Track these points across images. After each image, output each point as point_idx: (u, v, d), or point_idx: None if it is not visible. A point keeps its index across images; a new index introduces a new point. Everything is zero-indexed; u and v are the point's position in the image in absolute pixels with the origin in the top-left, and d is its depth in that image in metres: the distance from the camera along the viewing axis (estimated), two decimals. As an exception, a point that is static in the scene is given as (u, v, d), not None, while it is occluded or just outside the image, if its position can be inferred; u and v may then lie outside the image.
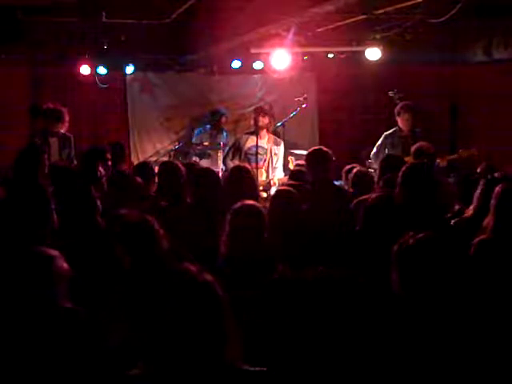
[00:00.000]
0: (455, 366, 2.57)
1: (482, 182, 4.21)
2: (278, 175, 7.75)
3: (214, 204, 4.75)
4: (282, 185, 5.95)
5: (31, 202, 3.94)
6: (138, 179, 5.12)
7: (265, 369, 2.32)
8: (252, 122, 7.86)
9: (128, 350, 2.93)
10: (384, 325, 2.75)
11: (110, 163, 6.34)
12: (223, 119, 10.35)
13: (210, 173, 5.43)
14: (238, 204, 3.84)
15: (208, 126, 10.35)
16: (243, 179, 5.15)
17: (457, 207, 4.81)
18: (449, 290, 2.67)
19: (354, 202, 5.08)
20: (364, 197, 5.07)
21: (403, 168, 4.37)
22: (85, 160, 6.27)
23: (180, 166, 5.58)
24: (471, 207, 4.21)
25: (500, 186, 3.67)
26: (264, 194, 7.28)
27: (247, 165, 6.65)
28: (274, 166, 7.81)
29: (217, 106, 10.84)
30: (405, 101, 8.23)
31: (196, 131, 10.36)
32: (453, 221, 4.44)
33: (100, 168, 6.01)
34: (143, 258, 3.48)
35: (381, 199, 3.76)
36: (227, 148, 8.59)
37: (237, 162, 7.80)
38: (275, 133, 8.26)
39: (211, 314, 2.21)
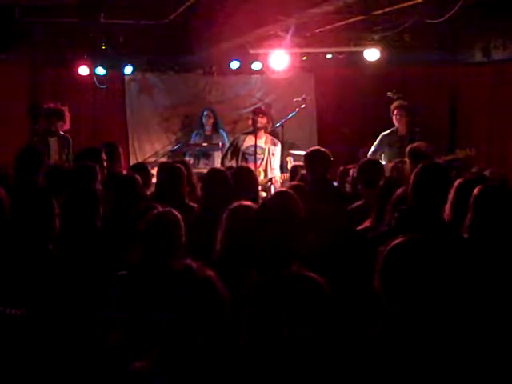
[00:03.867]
0: (436, 368, 2.58)
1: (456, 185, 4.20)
2: (277, 175, 7.76)
3: (217, 205, 4.71)
4: (282, 185, 5.94)
5: (35, 205, 3.93)
6: (138, 178, 5.08)
7: (259, 363, 2.33)
8: (250, 122, 7.85)
9: (129, 346, 2.95)
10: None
11: (105, 164, 6.30)
12: (204, 120, 10.16)
13: (217, 173, 5.42)
14: (234, 204, 3.84)
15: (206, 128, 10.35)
16: (244, 180, 5.15)
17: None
18: (428, 293, 2.67)
19: (353, 205, 5.09)
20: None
21: (417, 170, 4.35)
22: (80, 161, 6.23)
23: (180, 166, 5.56)
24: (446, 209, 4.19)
25: (478, 187, 3.72)
26: (264, 194, 7.29)
27: (245, 165, 6.66)
28: (272, 167, 7.83)
29: (215, 106, 10.83)
30: (402, 100, 8.27)
31: (193, 135, 10.28)
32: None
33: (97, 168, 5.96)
34: (160, 259, 3.49)
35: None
36: (225, 149, 8.58)
37: (234, 163, 7.80)
38: (273, 133, 8.26)
39: (214, 309, 2.22)
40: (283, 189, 4.57)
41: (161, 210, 3.71)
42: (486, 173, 5.31)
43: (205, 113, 9.96)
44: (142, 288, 3.27)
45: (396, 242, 2.76)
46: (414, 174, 4.20)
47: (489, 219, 3.59)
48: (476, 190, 3.67)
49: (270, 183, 7.60)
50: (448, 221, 4.01)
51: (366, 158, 6.75)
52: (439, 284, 2.69)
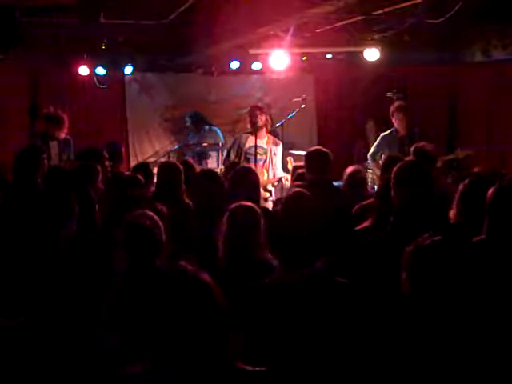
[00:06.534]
0: (461, 367, 2.57)
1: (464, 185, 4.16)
2: (279, 174, 7.73)
3: (216, 205, 4.71)
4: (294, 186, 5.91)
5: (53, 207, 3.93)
6: (140, 178, 5.07)
7: (264, 369, 2.33)
8: (248, 121, 7.80)
9: (127, 348, 2.94)
10: (388, 327, 2.75)
11: (107, 163, 6.30)
12: (189, 125, 10.43)
13: (213, 174, 5.42)
14: (235, 205, 3.84)
15: (207, 127, 10.40)
16: (245, 180, 5.15)
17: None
18: (458, 294, 2.67)
19: (356, 207, 5.07)
20: (366, 202, 5.07)
21: (394, 168, 4.37)
22: (81, 161, 6.22)
23: (177, 165, 5.54)
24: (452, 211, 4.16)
25: (493, 187, 3.68)
26: (267, 194, 7.28)
27: (246, 165, 6.65)
28: (275, 167, 7.78)
29: (215, 106, 10.87)
30: (401, 101, 8.25)
31: (190, 135, 10.41)
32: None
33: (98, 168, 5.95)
34: (145, 262, 3.47)
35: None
36: (227, 148, 8.58)
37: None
38: (274, 133, 8.25)
39: (210, 314, 2.22)
40: (298, 189, 4.55)
41: (135, 213, 3.64)
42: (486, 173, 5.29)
43: (186, 119, 10.29)
44: (136, 292, 3.25)
45: (426, 242, 2.75)
46: (392, 173, 4.22)
47: (506, 220, 3.53)
48: (490, 192, 3.62)
49: (278, 183, 7.57)
50: (454, 223, 3.99)
51: (389, 155, 6.71)
52: (469, 285, 2.69)
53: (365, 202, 5.06)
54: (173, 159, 8.72)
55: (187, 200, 5.22)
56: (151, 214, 3.66)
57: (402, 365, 2.59)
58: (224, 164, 8.11)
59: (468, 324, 2.64)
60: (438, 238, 2.75)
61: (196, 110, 10.62)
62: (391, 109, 7.78)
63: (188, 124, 10.44)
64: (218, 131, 10.40)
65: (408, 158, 5.83)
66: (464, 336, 2.62)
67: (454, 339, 2.60)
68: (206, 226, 4.32)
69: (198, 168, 6.65)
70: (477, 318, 2.72)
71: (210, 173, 5.49)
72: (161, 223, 3.62)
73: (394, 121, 7.71)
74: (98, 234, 4.29)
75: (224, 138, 10.30)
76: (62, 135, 7.42)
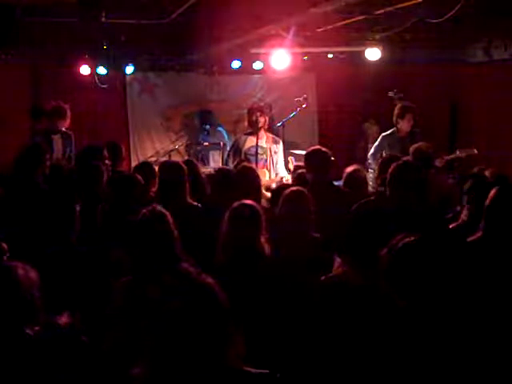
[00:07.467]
0: (450, 367, 2.58)
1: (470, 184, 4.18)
2: (282, 173, 7.69)
3: (220, 204, 4.69)
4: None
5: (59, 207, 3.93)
6: (139, 177, 5.05)
7: (267, 371, 2.32)
8: (247, 122, 7.76)
9: (126, 351, 2.92)
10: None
11: (107, 162, 6.29)
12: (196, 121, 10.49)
13: (222, 172, 5.41)
14: (236, 203, 3.84)
15: (207, 126, 10.40)
16: (246, 179, 5.14)
17: (458, 208, 4.80)
18: (437, 292, 2.67)
19: (355, 206, 5.07)
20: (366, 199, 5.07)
21: (390, 168, 4.37)
22: (82, 160, 6.21)
23: (180, 165, 5.51)
24: (464, 211, 4.17)
25: (495, 188, 3.69)
26: (268, 194, 7.25)
27: (247, 164, 6.62)
28: (276, 166, 7.75)
29: (216, 106, 10.87)
30: (405, 101, 8.21)
31: (201, 135, 10.45)
32: (451, 225, 4.42)
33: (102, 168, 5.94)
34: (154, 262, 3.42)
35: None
36: (227, 149, 8.56)
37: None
38: (275, 132, 8.23)
39: (213, 316, 2.21)
40: (296, 188, 4.56)
41: (145, 210, 3.56)
42: (487, 173, 5.29)
43: (195, 119, 10.36)
44: (140, 294, 3.24)
45: (403, 242, 2.75)
46: (388, 174, 4.21)
47: (503, 221, 3.54)
48: (492, 192, 3.62)
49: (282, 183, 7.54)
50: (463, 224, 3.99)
51: (387, 154, 6.67)
52: (445, 282, 2.69)
53: (363, 201, 5.06)
54: (175, 159, 8.70)
55: (190, 200, 5.19)
56: (160, 209, 3.59)
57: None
58: (226, 164, 8.09)
59: (450, 323, 2.65)
60: (412, 238, 2.75)
61: (203, 108, 10.67)
62: (399, 109, 7.64)
63: (196, 123, 10.47)
64: (223, 132, 10.38)
65: (406, 158, 5.86)
66: (449, 335, 2.62)
67: (441, 337, 2.61)
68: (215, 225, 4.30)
69: (201, 168, 6.64)
70: (462, 317, 2.73)
71: (226, 172, 5.47)
72: (171, 220, 3.55)
73: (400, 121, 7.57)
74: (98, 234, 4.29)
75: (229, 137, 10.31)
76: (66, 125, 7.44)
